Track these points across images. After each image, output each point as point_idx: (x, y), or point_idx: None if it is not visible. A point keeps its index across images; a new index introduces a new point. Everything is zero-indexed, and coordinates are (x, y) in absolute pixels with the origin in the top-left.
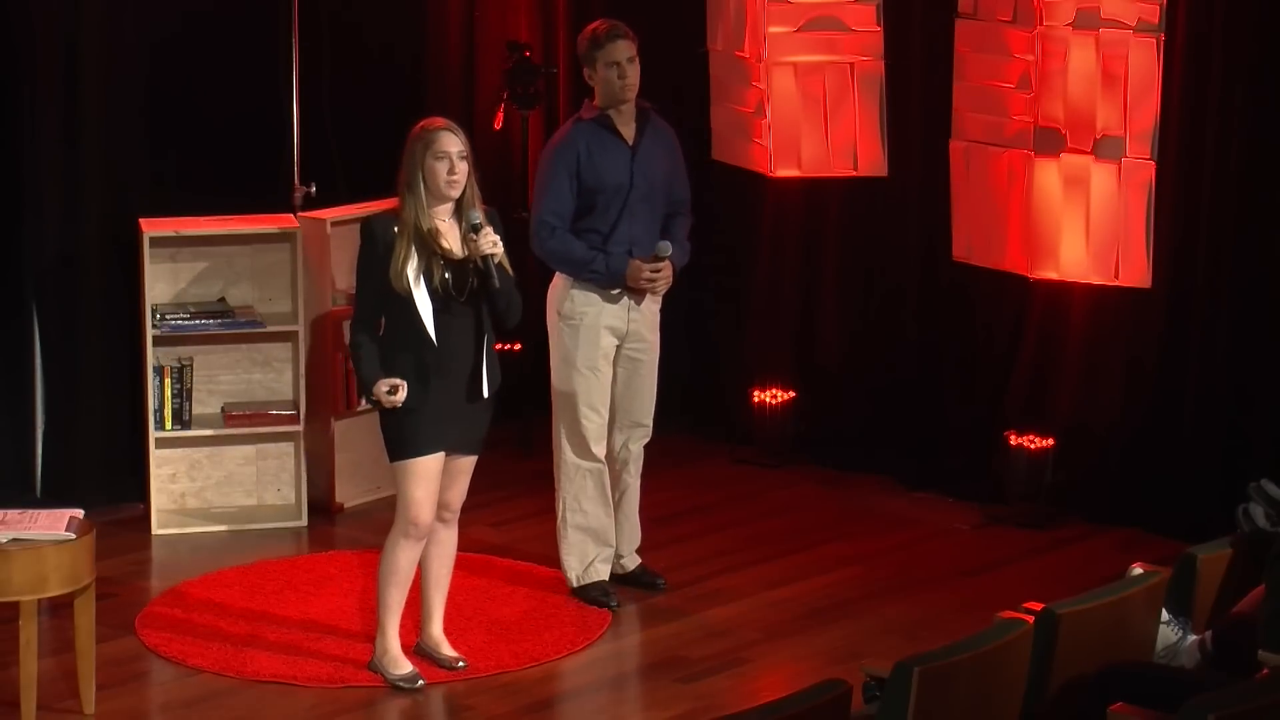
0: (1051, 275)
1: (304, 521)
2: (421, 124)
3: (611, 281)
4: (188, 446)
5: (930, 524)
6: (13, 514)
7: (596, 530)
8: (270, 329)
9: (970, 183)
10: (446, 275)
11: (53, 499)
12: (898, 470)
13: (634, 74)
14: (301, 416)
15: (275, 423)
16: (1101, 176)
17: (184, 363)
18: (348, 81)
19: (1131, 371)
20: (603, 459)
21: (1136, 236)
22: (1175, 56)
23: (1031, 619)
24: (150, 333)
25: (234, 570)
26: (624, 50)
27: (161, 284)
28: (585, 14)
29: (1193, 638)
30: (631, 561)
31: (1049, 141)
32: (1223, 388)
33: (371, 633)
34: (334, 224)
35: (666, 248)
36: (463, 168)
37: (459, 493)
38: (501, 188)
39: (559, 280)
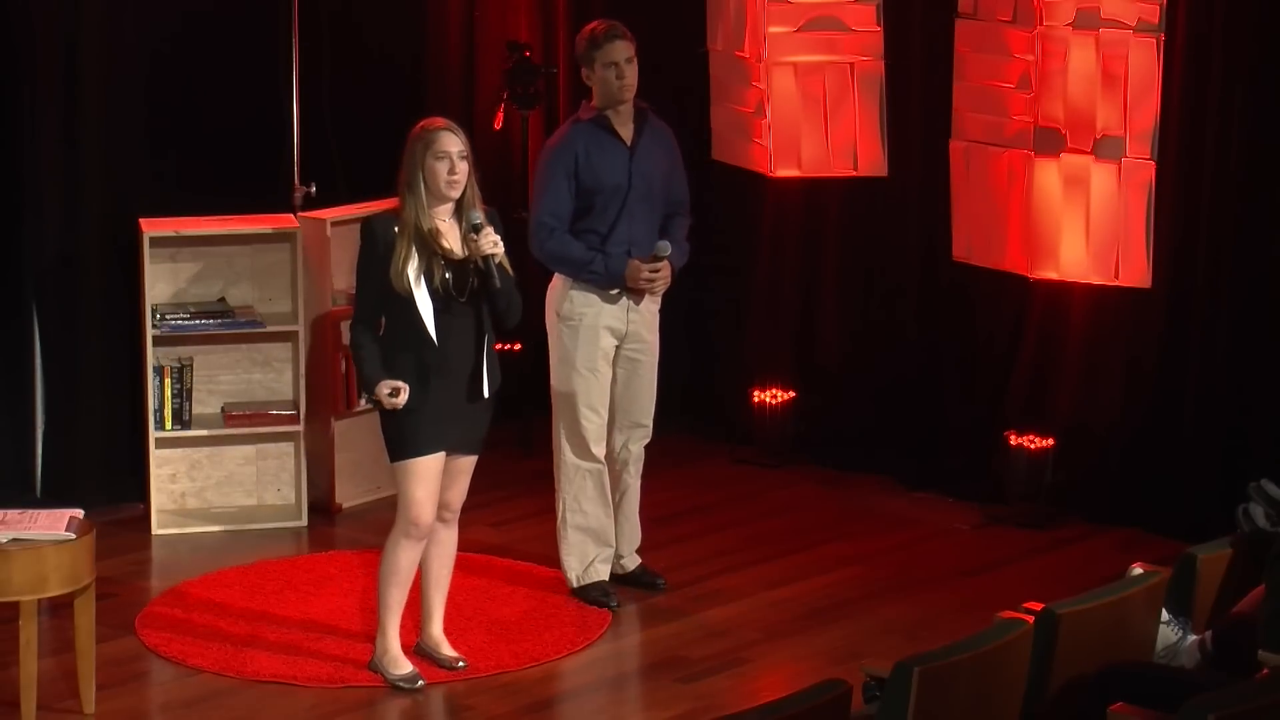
0: (1051, 275)
1: (304, 521)
2: (422, 124)
3: (610, 282)
4: (188, 446)
5: (930, 524)
6: (13, 514)
7: (596, 531)
8: (270, 329)
9: (970, 183)
10: (447, 275)
11: (53, 499)
12: (898, 470)
13: (632, 74)
14: (301, 416)
15: (275, 423)
16: (1101, 176)
17: (184, 363)
18: (348, 81)
19: (1131, 371)
20: (602, 459)
21: (1136, 236)
22: (1175, 56)
23: (1031, 619)
24: (150, 333)
25: (234, 570)
26: (622, 51)
27: (161, 284)
28: (585, 14)
29: (1193, 638)
30: (631, 562)
31: (1049, 141)
32: (1223, 388)
33: (371, 633)
34: (334, 224)
35: (665, 248)
36: (463, 168)
37: (459, 493)
38: (501, 188)
39: (558, 281)
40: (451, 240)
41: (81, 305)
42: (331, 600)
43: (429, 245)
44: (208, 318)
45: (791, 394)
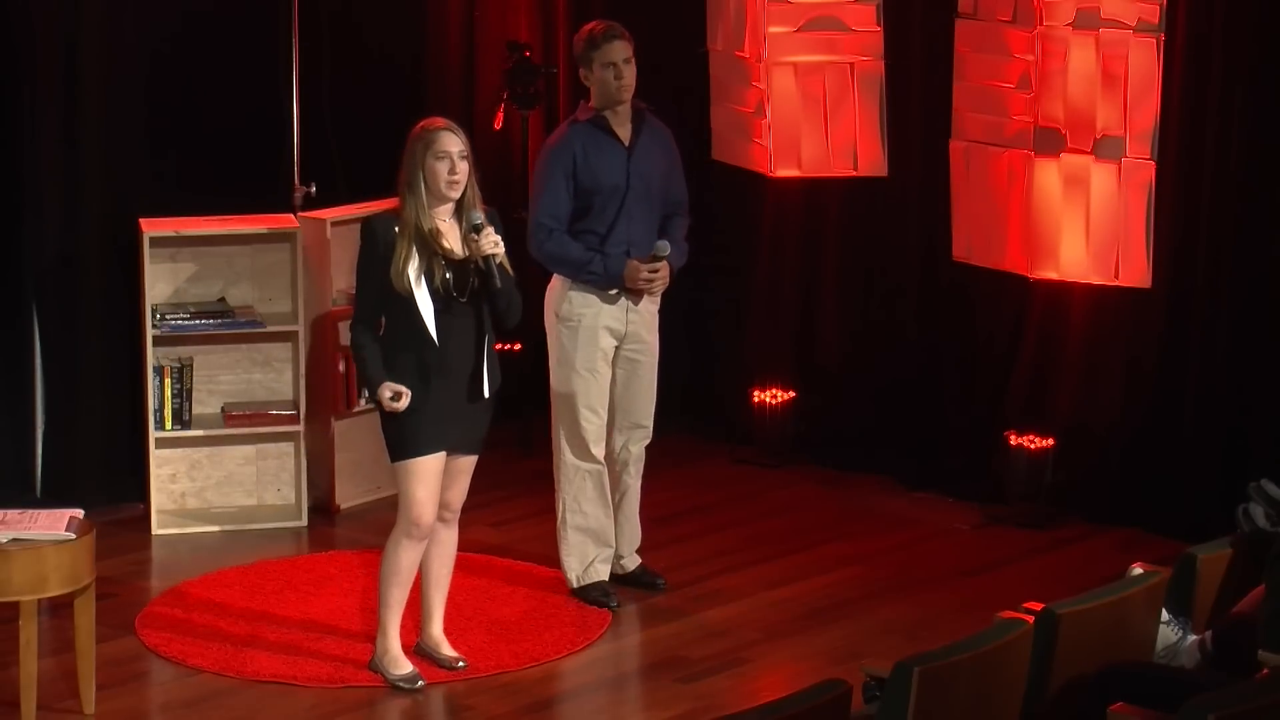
0: (1051, 275)
1: (304, 521)
2: (422, 124)
3: (609, 282)
4: (188, 446)
5: (930, 524)
6: (13, 514)
7: (596, 531)
8: (270, 329)
9: (970, 183)
10: (447, 275)
11: (53, 499)
12: (898, 470)
13: (630, 75)
14: (301, 416)
15: (275, 423)
16: (1101, 176)
17: (184, 363)
18: (348, 81)
19: (1131, 371)
20: (602, 460)
21: (1136, 236)
22: (1175, 57)
23: (1031, 619)
24: (150, 333)
25: (234, 570)
26: (620, 51)
27: (161, 284)
28: (585, 14)
29: (1193, 638)
30: (631, 562)
31: (1049, 141)
32: (1223, 388)
33: (371, 633)
34: (334, 224)
35: (664, 248)
36: (463, 168)
37: (459, 492)
38: (501, 188)
39: (557, 282)
40: (452, 240)
41: (81, 305)
42: (331, 600)
43: (429, 245)
44: (208, 318)
45: (791, 394)
